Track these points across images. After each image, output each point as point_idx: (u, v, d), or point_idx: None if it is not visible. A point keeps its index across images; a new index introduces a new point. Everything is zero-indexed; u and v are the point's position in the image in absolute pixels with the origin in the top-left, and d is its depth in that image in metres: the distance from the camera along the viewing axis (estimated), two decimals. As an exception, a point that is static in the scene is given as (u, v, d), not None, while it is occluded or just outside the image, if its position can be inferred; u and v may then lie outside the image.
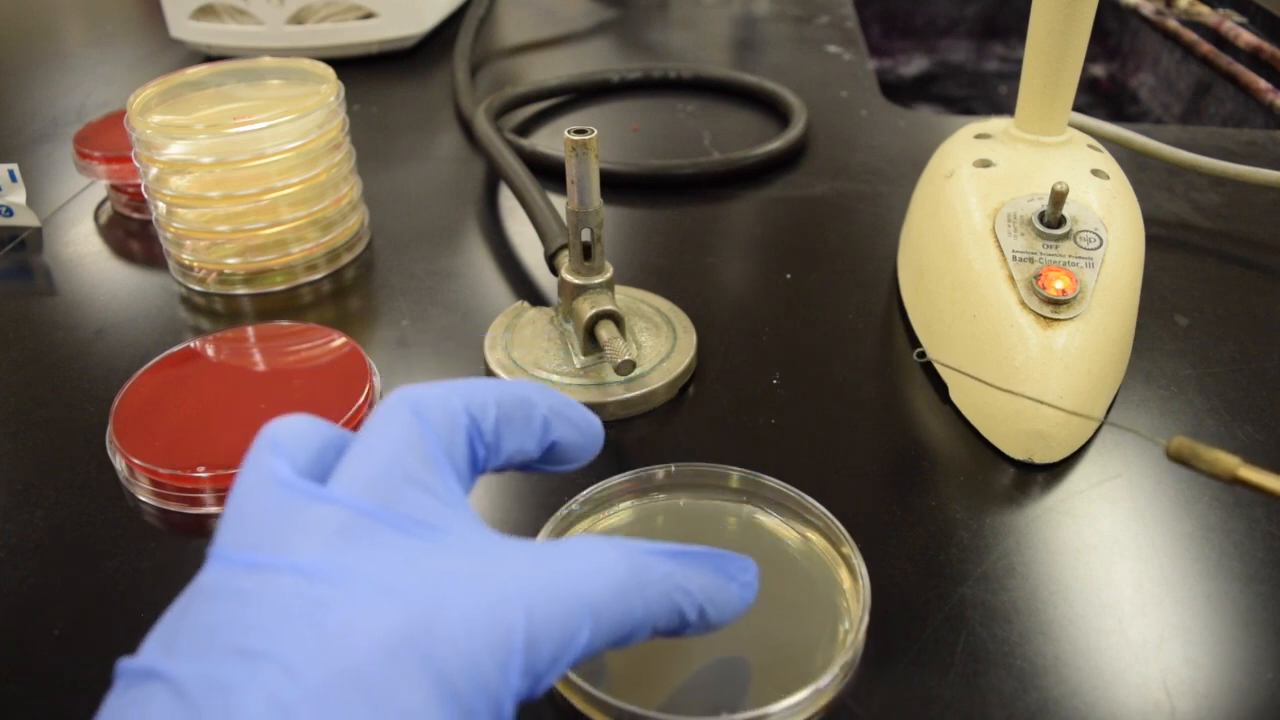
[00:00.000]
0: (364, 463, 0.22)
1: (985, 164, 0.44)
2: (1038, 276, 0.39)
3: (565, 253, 0.44)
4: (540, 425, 0.25)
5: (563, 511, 0.33)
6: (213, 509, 0.35)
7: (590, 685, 0.27)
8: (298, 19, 0.78)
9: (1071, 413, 0.36)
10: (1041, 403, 0.35)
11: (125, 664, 0.19)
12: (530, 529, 0.34)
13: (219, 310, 0.49)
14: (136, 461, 0.36)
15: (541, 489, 0.36)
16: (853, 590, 0.31)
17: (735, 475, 0.35)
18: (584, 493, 0.34)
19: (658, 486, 0.35)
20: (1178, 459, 0.23)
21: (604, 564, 0.22)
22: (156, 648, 0.19)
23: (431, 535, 0.21)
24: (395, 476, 0.21)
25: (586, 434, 0.27)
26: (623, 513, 0.34)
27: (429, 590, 0.19)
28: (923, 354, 0.35)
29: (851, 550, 0.31)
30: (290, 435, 0.22)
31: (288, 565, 0.19)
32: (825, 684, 0.27)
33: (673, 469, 0.35)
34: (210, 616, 0.19)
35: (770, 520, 0.34)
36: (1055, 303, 0.38)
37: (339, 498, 0.21)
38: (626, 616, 0.22)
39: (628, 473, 0.34)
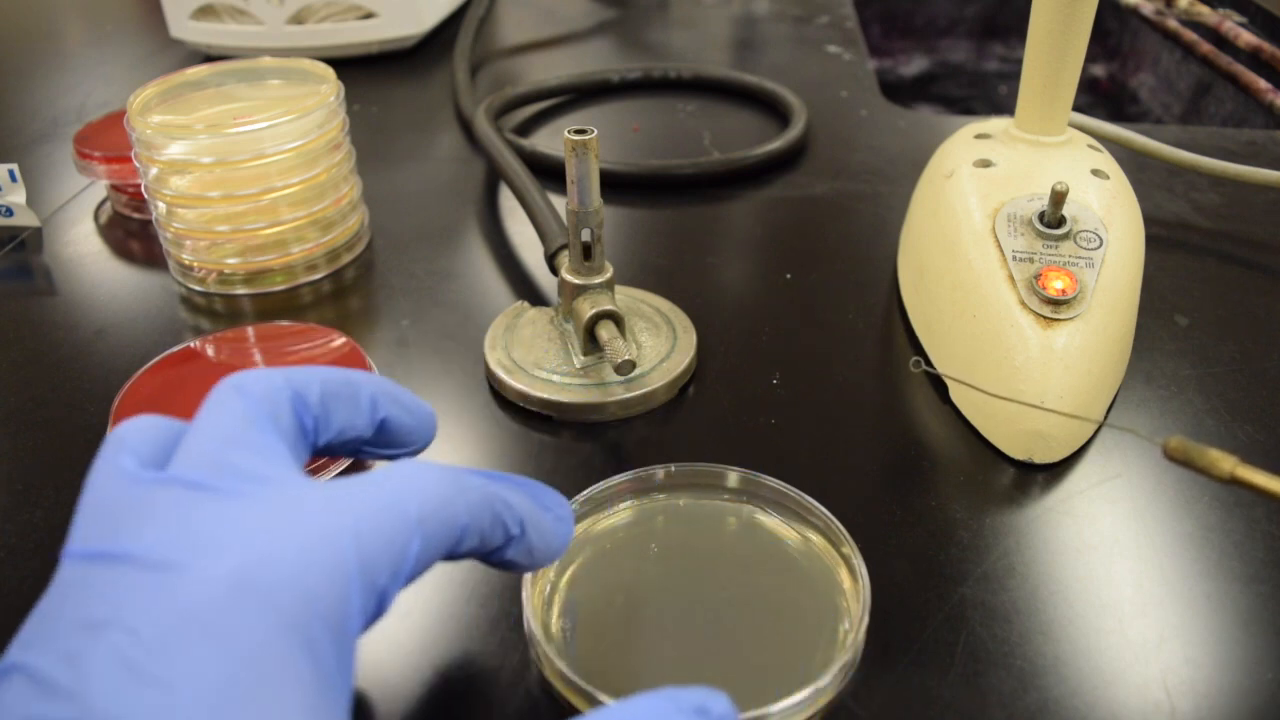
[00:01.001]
0: (194, 441, 0.23)
1: (985, 164, 0.44)
2: (1038, 276, 0.39)
3: (565, 253, 0.44)
4: (368, 402, 0.26)
5: None
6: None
7: (590, 685, 0.27)
8: (298, 19, 0.78)
9: (1068, 415, 0.36)
10: (1037, 407, 0.35)
11: None
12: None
13: (219, 310, 0.49)
14: (136, 461, 0.36)
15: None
16: (853, 590, 0.31)
17: (735, 475, 0.35)
18: (584, 493, 0.34)
19: (658, 486, 0.35)
20: (1175, 459, 0.24)
21: (423, 478, 0.23)
22: (15, 647, 0.20)
23: (258, 489, 0.22)
24: (221, 444, 0.23)
25: (417, 415, 0.28)
26: (623, 512, 0.34)
27: (260, 536, 0.20)
28: (919, 363, 0.35)
29: (851, 550, 0.31)
30: (134, 432, 0.24)
31: (128, 547, 0.20)
32: (825, 684, 0.27)
33: (673, 469, 0.35)
34: (58, 606, 0.20)
35: (770, 520, 0.34)
36: (1055, 303, 0.38)
37: (171, 476, 0.22)
38: (452, 522, 0.23)
39: (628, 473, 0.34)
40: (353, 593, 0.20)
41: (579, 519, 0.34)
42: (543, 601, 0.31)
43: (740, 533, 0.34)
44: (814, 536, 0.33)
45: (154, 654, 0.18)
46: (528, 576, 0.30)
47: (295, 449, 0.24)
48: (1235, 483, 0.23)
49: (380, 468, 0.24)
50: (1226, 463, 0.23)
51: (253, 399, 0.24)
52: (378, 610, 0.22)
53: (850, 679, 0.29)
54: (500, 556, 0.25)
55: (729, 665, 0.29)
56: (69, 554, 0.21)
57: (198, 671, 0.18)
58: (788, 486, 0.34)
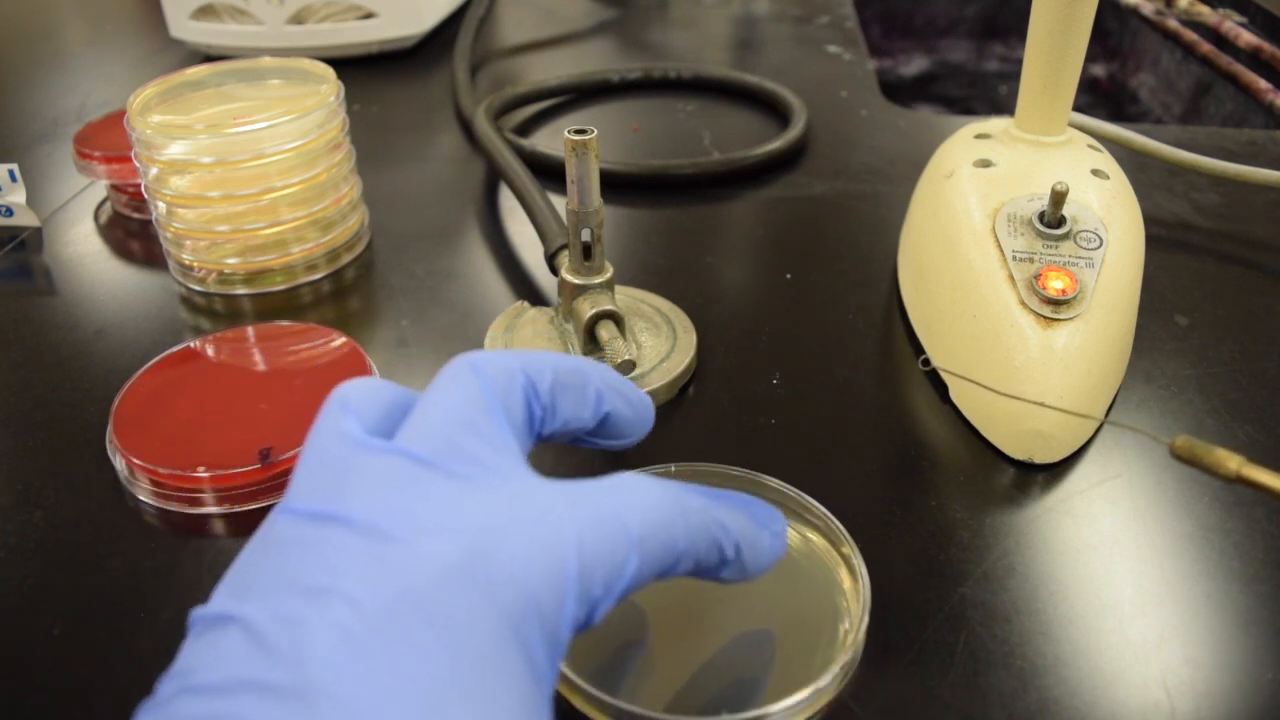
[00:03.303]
0: (425, 416, 0.23)
1: (985, 164, 0.44)
2: (1038, 276, 0.39)
3: (565, 253, 0.44)
4: (594, 396, 0.26)
5: None
6: (213, 509, 0.35)
7: (590, 685, 0.27)
8: (298, 19, 0.78)
9: (1078, 414, 0.36)
10: (1047, 406, 0.35)
11: (198, 612, 0.20)
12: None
13: (219, 310, 0.49)
14: (136, 461, 0.36)
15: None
16: (853, 590, 0.31)
17: (735, 475, 0.35)
18: None
19: None
20: (1182, 458, 0.24)
21: (647, 496, 0.23)
22: (226, 595, 0.20)
23: (486, 477, 0.22)
24: (453, 426, 0.22)
25: (638, 409, 0.28)
26: None
27: (485, 525, 0.20)
28: (927, 361, 0.35)
29: (851, 550, 0.31)
30: (359, 396, 0.24)
31: (349, 512, 0.20)
32: (825, 684, 0.27)
33: (673, 469, 0.35)
34: (277, 562, 0.20)
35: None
36: (1055, 303, 0.38)
37: (399, 449, 0.22)
38: (670, 545, 0.23)
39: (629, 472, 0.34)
40: (569, 599, 0.20)
41: None
42: None
43: None
44: (814, 536, 0.33)
45: (375, 630, 0.18)
46: None
47: (522, 439, 0.24)
48: (1241, 481, 0.23)
49: (606, 477, 0.23)
50: (1232, 462, 0.23)
51: (488, 381, 0.24)
52: (588, 621, 0.21)
53: (850, 679, 0.29)
54: (713, 576, 0.25)
55: (729, 665, 0.29)
56: (285, 508, 0.21)
57: (419, 656, 0.18)
58: (787, 486, 0.34)
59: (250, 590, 0.19)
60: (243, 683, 0.17)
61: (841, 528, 0.32)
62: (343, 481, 0.21)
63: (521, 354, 0.25)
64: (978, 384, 0.36)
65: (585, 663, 0.29)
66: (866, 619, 0.29)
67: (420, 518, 0.20)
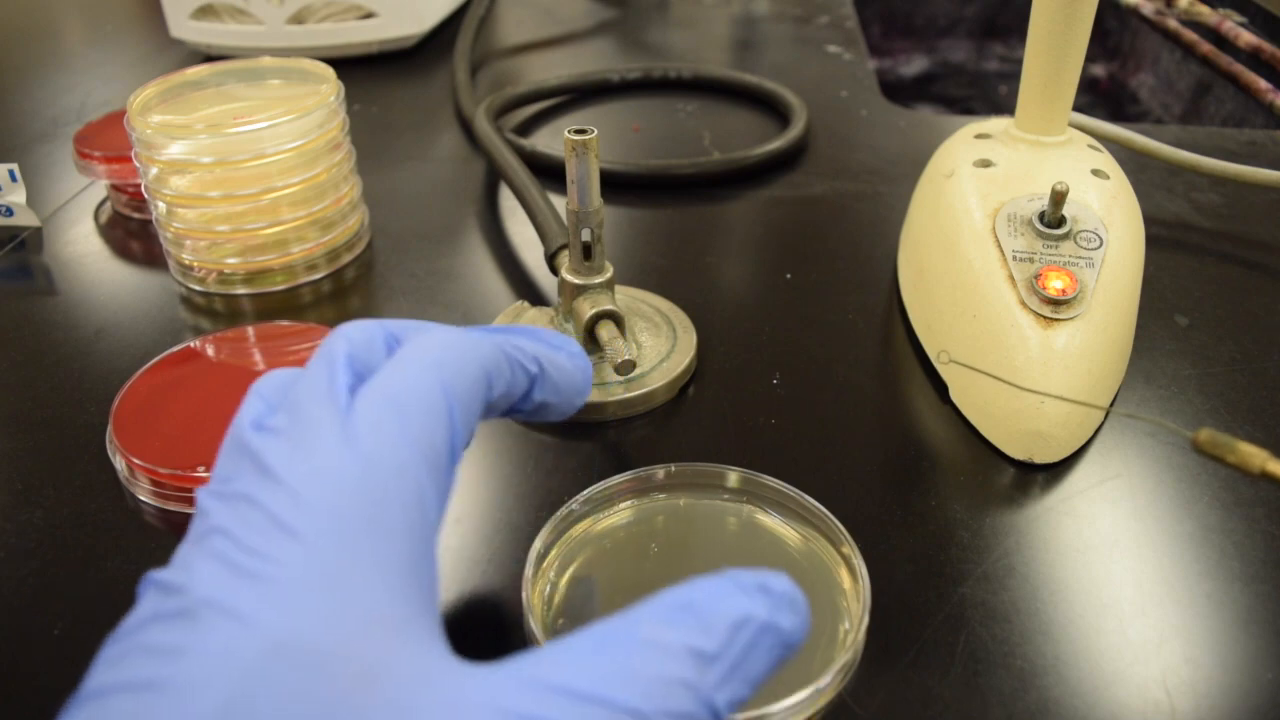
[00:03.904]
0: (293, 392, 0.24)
1: (985, 164, 0.44)
2: (1038, 276, 0.39)
3: (565, 253, 0.44)
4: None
5: (563, 511, 0.33)
6: (213, 509, 0.35)
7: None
8: (298, 19, 0.78)
9: (1109, 410, 0.36)
10: (1092, 405, 0.35)
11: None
12: (531, 529, 0.34)
13: (219, 310, 0.49)
14: (136, 461, 0.36)
15: (542, 489, 0.37)
16: (853, 590, 0.31)
17: (735, 475, 0.35)
18: (584, 492, 0.34)
19: (658, 486, 0.35)
20: (1205, 452, 0.23)
21: (439, 349, 0.24)
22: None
23: (313, 427, 0.23)
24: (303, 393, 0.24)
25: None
26: (623, 512, 0.34)
27: (329, 462, 0.22)
28: (944, 354, 0.35)
29: (852, 550, 0.31)
30: (270, 385, 0.25)
31: (237, 489, 0.22)
32: (825, 684, 0.27)
33: (673, 469, 0.35)
34: (195, 530, 0.22)
35: (770, 520, 0.34)
36: (1055, 303, 0.38)
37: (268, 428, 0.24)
38: (476, 376, 0.25)
39: (628, 473, 0.34)
40: (412, 484, 0.22)
41: (579, 519, 0.34)
42: (542, 601, 0.31)
43: (740, 533, 0.34)
44: (814, 536, 0.33)
45: (249, 553, 0.20)
46: (528, 576, 0.30)
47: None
48: (1266, 477, 0.22)
49: (402, 350, 0.25)
50: (1258, 457, 0.22)
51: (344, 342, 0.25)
52: (451, 471, 0.23)
53: (850, 679, 0.29)
54: (531, 401, 0.28)
55: None
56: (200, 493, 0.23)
57: (291, 561, 0.20)
58: (788, 486, 0.34)
59: (176, 558, 0.21)
60: (146, 619, 0.20)
61: (841, 527, 0.32)
62: (234, 462, 0.23)
63: (389, 323, 0.26)
64: (1002, 380, 0.36)
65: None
66: (866, 619, 0.29)
67: (281, 469, 0.22)
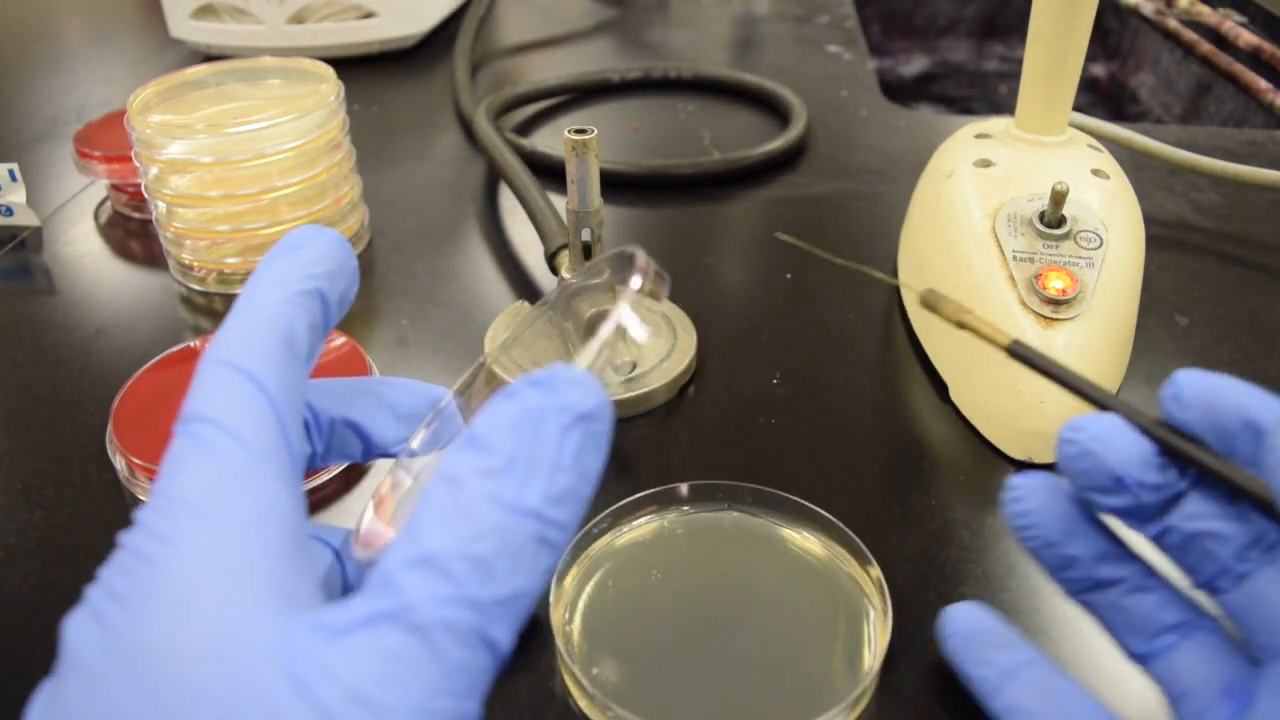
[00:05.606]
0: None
1: (985, 164, 0.44)
2: (1038, 276, 0.39)
3: (565, 253, 0.44)
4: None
5: (582, 531, 0.33)
6: (213, 509, 0.35)
7: (604, 695, 0.27)
8: (298, 19, 0.78)
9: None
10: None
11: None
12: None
13: (219, 310, 0.49)
14: (136, 461, 0.36)
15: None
16: (880, 615, 0.30)
17: (761, 492, 0.34)
18: (606, 511, 0.33)
19: (679, 501, 0.34)
20: (926, 305, 0.27)
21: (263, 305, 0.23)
22: None
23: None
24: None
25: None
26: (643, 528, 0.34)
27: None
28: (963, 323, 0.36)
29: (880, 573, 0.31)
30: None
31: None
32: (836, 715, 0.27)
33: (695, 484, 0.34)
34: None
35: (797, 538, 0.33)
36: (1055, 302, 0.38)
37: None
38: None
39: (648, 490, 0.34)
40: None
41: (600, 534, 0.33)
42: (564, 618, 0.31)
43: (765, 551, 0.33)
44: (842, 554, 0.32)
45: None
46: (551, 589, 0.30)
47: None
48: (964, 328, 0.26)
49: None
50: (959, 311, 0.26)
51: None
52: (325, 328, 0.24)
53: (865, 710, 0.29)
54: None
55: (752, 683, 0.29)
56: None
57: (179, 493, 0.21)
58: (814, 506, 0.33)
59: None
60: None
61: (866, 550, 0.31)
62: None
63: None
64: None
65: (607, 677, 0.29)
66: (885, 649, 0.29)
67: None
